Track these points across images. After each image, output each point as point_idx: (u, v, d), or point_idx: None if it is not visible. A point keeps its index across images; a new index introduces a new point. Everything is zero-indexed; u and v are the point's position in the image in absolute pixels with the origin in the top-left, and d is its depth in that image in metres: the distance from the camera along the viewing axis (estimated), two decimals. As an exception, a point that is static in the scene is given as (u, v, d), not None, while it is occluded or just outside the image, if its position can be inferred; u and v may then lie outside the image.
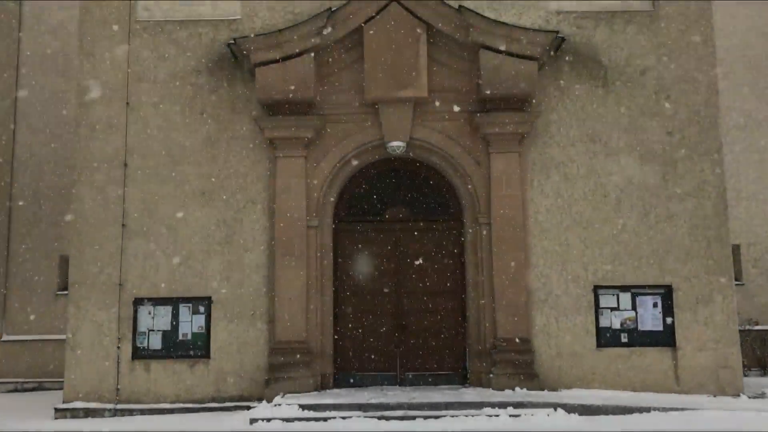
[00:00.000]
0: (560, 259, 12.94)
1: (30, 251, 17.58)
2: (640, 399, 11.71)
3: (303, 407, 10.97)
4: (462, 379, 13.16)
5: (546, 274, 12.94)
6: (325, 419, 10.62)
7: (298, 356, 12.43)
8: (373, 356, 13.24)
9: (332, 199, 13.36)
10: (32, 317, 17.26)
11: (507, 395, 11.61)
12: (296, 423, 10.57)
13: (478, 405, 10.98)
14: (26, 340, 17.32)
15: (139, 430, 10.84)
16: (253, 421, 10.71)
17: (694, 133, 13.14)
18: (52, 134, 17.89)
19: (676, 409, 11.00)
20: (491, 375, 12.40)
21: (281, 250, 12.74)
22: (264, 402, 11.62)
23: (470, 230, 13.22)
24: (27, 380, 17.16)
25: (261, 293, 12.91)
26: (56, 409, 12.59)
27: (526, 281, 12.76)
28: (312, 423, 10.56)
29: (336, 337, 13.22)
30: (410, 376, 13.21)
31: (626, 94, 13.25)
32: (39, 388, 17.12)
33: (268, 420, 10.66)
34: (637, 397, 11.87)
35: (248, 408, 12.20)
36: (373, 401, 11.13)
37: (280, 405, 11.08)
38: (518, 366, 12.36)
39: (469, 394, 11.80)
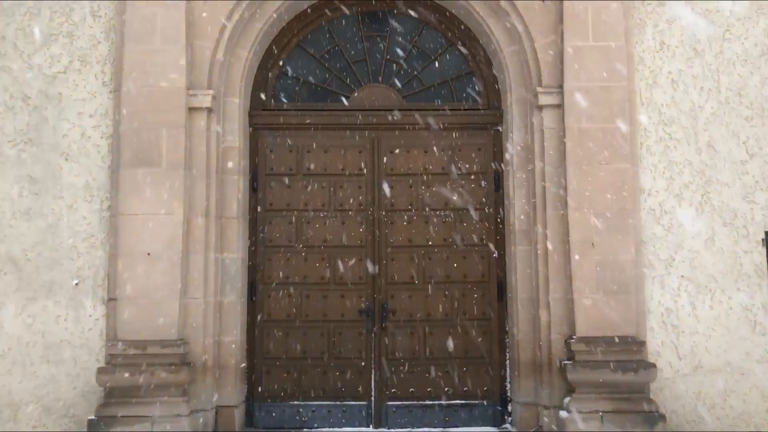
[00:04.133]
0: (700, 178, 6.53)
1: None
2: None
3: None
4: (498, 414, 6.74)
5: (671, 207, 6.51)
6: None
7: (163, 373, 5.95)
8: (325, 372, 6.78)
9: (247, 60, 6.81)
10: None
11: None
12: None
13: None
14: None
15: None
16: None
17: None
18: None
19: None
20: (563, 412, 6.00)
21: (131, 155, 6.22)
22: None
23: (517, 123, 6.73)
24: None
25: (94, 243, 6.41)
26: None
27: (633, 221, 6.34)
28: None
29: (250, 334, 6.77)
30: (395, 410, 6.76)
31: None
32: None
33: None
34: None
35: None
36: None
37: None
38: (619, 394, 5.97)
39: (526, 461, 5.35)
